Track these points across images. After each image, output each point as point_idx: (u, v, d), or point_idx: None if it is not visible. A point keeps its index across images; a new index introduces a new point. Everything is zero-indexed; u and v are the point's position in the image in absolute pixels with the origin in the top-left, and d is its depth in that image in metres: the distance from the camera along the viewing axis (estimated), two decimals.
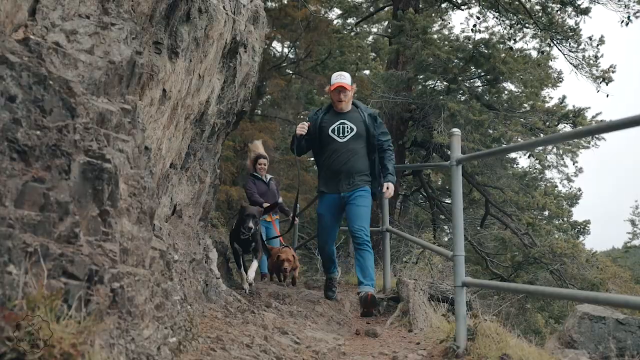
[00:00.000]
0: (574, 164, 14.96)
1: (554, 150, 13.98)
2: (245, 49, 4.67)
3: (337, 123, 4.86)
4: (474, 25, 12.14)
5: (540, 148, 12.97)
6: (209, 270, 4.17)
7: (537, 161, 13.63)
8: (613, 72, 11.18)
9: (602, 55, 11.40)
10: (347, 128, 4.84)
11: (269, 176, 7.34)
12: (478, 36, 12.08)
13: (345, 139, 4.82)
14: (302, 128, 4.90)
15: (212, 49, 3.83)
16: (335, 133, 4.85)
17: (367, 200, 4.75)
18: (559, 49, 11.63)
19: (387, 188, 4.79)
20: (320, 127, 4.90)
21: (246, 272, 5.08)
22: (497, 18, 12.15)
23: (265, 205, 6.10)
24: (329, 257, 5.14)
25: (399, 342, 3.72)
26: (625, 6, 10.62)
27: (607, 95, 11.46)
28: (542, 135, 10.81)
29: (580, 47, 11.35)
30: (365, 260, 4.54)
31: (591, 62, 11.34)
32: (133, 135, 2.33)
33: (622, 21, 10.73)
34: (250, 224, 4.95)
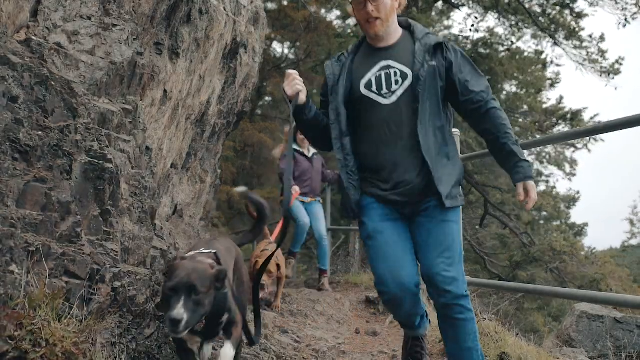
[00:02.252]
0: (572, 166, 15.00)
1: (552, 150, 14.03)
2: (246, 49, 4.68)
3: (376, 69, 2.29)
4: (472, 25, 12.16)
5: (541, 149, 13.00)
6: None
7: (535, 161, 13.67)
8: (621, 64, 11.21)
9: (607, 50, 11.44)
10: (396, 75, 2.26)
11: (312, 150, 5.43)
12: (476, 36, 12.12)
13: (394, 98, 2.24)
14: (294, 82, 2.32)
15: (213, 50, 3.85)
16: (374, 88, 2.27)
17: (453, 224, 2.26)
18: (562, 48, 11.66)
19: (526, 192, 2.18)
20: (349, 84, 2.33)
21: None
22: (497, 19, 12.18)
23: (296, 191, 4.90)
24: (408, 310, 2.30)
25: (399, 341, 3.73)
26: (623, 9, 10.66)
27: (616, 89, 11.47)
28: (538, 136, 10.84)
29: (584, 44, 11.38)
30: (460, 342, 2.19)
31: (597, 57, 11.37)
32: (134, 136, 2.35)
33: (620, 23, 10.80)
34: (180, 312, 1.67)
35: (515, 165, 2.19)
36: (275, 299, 4.24)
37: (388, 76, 2.27)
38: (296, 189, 4.98)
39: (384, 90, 2.26)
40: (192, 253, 1.94)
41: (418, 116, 2.20)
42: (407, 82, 2.24)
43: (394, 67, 2.28)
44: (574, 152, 13.47)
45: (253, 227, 2.78)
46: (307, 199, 5.33)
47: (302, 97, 2.29)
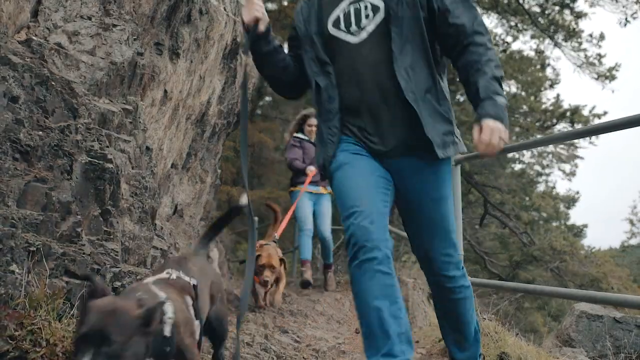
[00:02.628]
0: (571, 167, 15.02)
1: (552, 150, 14.05)
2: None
3: (344, 4, 1.94)
4: None
5: (540, 150, 13.02)
6: None
7: (535, 164, 13.70)
8: (617, 70, 11.25)
9: (605, 55, 11.47)
10: (366, 8, 1.91)
11: None
12: None
13: (364, 35, 1.90)
14: (254, 7, 1.95)
15: (213, 50, 3.85)
16: (342, 26, 1.94)
17: (443, 186, 1.93)
18: (560, 50, 11.67)
19: (484, 129, 1.66)
20: (319, 26, 1.99)
21: None
22: (498, 20, 12.19)
23: (311, 170, 4.83)
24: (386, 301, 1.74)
25: None
26: (623, 7, 10.69)
27: (613, 91, 11.51)
28: (538, 135, 10.86)
29: (582, 46, 11.41)
30: (459, 315, 2.03)
31: (595, 61, 11.40)
32: (134, 136, 2.35)
33: (621, 22, 10.83)
34: None
35: (481, 100, 1.71)
36: (274, 297, 4.04)
37: (357, 11, 1.91)
38: (311, 169, 4.90)
39: (353, 27, 1.90)
40: (148, 280, 1.49)
41: (394, 57, 1.81)
42: (379, 16, 1.86)
43: (364, 0, 1.90)
44: (574, 150, 13.48)
45: (217, 223, 2.08)
46: (319, 189, 5.19)
47: (262, 27, 1.92)
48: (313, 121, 5.17)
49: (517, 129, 11.26)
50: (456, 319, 2.05)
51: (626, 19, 10.65)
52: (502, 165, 13.67)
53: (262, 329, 3.36)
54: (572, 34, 11.18)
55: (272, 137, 13.53)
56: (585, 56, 11.51)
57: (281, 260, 3.84)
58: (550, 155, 14.57)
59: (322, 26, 1.97)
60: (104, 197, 2.02)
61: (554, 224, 14.77)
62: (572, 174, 15.12)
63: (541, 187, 15.50)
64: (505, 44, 11.82)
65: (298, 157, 5.17)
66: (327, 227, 5.27)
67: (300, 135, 5.32)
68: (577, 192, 15.93)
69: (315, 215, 5.19)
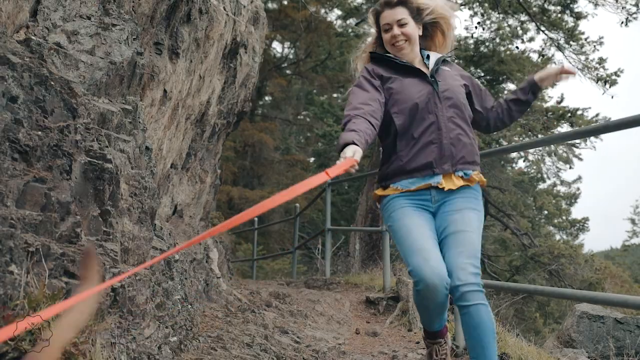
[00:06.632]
0: (570, 167, 15.01)
1: (552, 149, 14.04)
2: (246, 49, 4.68)
3: None
4: (478, 23, 12.15)
5: (540, 150, 13.02)
6: (210, 269, 4.18)
7: (534, 165, 13.69)
8: (618, 75, 11.24)
9: (606, 59, 11.45)
10: None
11: None
12: (479, 35, 12.13)
13: None
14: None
15: (213, 50, 3.85)
16: None
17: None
18: (562, 53, 11.67)
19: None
20: None
21: None
22: (501, 20, 12.18)
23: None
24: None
25: (399, 341, 3.73)
26: (623, 8, 10.69)
27: (612, 97, 11.49)
28: (540, 135, 10.85)
29: (583, 49, 11.41)
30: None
31: (595, 65, 11.39)
32: (134, 136, 2.35)
33: (622, 22, 10.82)
34: None
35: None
36: None
37: None
38: None
39: None
40: None
41: None
42: None
43: None
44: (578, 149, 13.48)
45: None
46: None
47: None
48: None
49: (518, 128, 11.25)
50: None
51: (627, 18, 10.65)
52: (503, 166, 13.68)
53: (262, 329, 3.36)
54: (573, 36, 11.18)
55: (272, 137, 13.54)
56: (587, 59, 11.51)
57: None
58: (553, 155, 14.57)
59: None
60: (104, 197, 2.01)
61: (556, 220, 14.76)
62: (574, 181, 15.13)
63: (543, 186, 15.51)
64: (519, 42, 11.79)
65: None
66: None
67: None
68: (578, 189, 15.94)
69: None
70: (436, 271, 1.87)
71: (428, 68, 2.17)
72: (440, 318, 2.14)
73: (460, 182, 2.05)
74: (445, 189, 2.04)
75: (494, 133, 11.84)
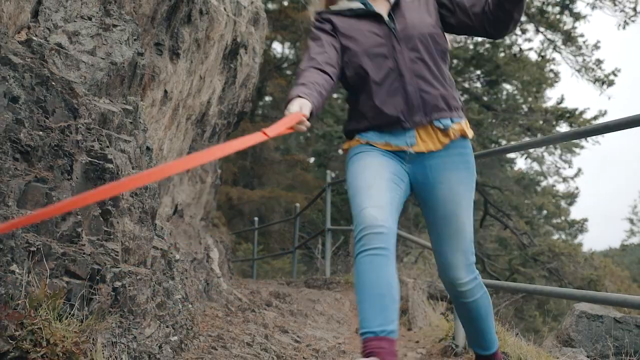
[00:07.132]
0: (569, 167, 15.02)
1: (553, 149, 14.06)
2: (246, 50, 4.69)
3: None
4: None
5: (539, 151, 13.03)
6: (210, 269, 4.19)
7: (534, 162, 13.72)
8: (615, 75, 11.26)
9: (603, 60, 11.48)
10: None
11: None
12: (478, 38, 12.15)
13: None
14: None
15: (213, 50, 3.86)
16: None
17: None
18: (560, 55, 11.69)
19: None
20: None
21: None
22: None
23: None
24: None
25: (398, 341, 3.74)
26: (621, 10, 10.72)
27: (609, 98, 11.51)
28: (539, 135, 10.87)
29: (581, 51, 11.43)
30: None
31: (593, 66, 11.41)
32: (135, 136, 2.35)
33: (620, 25, 10.86)
34: None
35: None
36: None
37: None
38: None
39: None
40: None
41: None
42: None
43: None
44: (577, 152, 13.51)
45: None
46: None
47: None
48: None
49: (517, 129, 11.27)
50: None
51: (625, 21, 10.67)
52: (502, 166, 13.69)
53: (262, 328, 3.37)
54: (571, 38, 11.21)
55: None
56: (584, 60, 11.54)
57: None
58: (552, 155, 14.59)
59: None
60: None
61: (555, 220, 14.78)
62: (575, 175, 15.14)
63: (542, 185, 15.53)
64: (515, 49, 11.82)
65: None
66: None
67: None
68: (577, 188, 15.94)
69: None
70: (382, 216, 1.60)
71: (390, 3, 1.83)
72: (389, 310, 1.63)
73: (443, 139, 1.76)
74: (426, 152, 1.76)
75: (492, 134, 11.87)
